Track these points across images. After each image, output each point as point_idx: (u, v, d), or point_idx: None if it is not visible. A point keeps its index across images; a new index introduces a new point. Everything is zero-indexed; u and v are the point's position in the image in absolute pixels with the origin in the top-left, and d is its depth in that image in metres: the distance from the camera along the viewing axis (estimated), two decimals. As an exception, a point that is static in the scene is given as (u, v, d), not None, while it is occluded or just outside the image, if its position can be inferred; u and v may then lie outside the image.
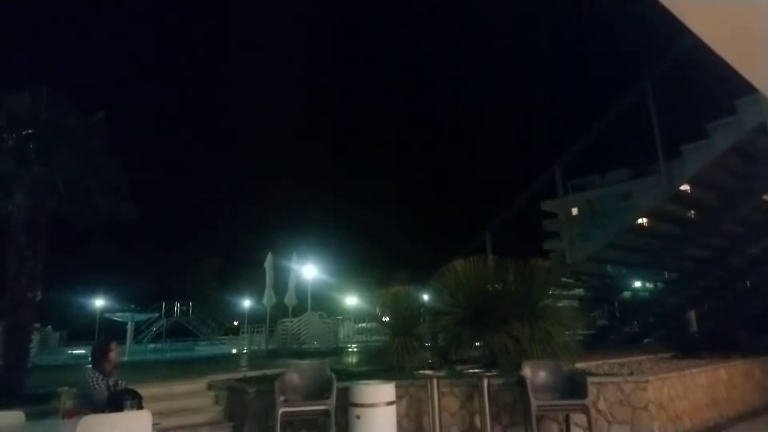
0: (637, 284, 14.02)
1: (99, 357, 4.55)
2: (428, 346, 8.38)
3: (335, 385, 5.82)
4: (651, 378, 6.12)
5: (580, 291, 12.21)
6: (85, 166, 7.68)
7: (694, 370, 7.04)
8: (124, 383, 4.56)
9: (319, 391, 5.96)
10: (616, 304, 13.33)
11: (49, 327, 22.07)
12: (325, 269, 27.43)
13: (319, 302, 24.45)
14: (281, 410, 5.62)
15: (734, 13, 2.06)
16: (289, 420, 5.83)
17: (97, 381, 4.37)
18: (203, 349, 24.36)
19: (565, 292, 10.43)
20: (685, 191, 8.42)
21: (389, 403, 5.64)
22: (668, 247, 9.82)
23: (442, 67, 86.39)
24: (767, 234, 9.39)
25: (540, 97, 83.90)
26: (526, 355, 6.62)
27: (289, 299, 18.47)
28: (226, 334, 33.10)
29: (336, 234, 44.83)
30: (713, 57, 2.33)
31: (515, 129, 73.50)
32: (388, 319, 8.92)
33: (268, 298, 17.73)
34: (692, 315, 11.51)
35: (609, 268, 12.83)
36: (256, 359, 13.01)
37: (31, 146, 7.40)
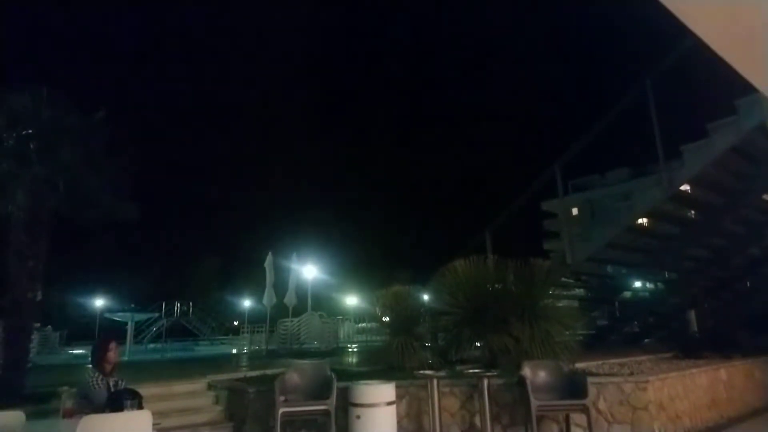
0: (638, 284, 14.01)
1: (99, 357, 4.55)
2: (428, 346, 8.39)
3: (335, 385, 5.82)
4: (651, 378, 6.12)
5: (580, 291, 12.19)
6: (86, 166, 7.67)
7: (694, 371, 7.04)
8: (124, 383, 4.56)
9: (319, 391, 5.96)
10: (616, 304, 13.31)
11: (49, 327, 22.04)
12: (325, 269, 27.44)
13: (320, 302, 24.46)
14: (281, 410, 5.62)
15: (734, 13, 2.06)
16: (289, 420, 5.83)
17: (97, 381, 4.37)
18: (203, 349, 24.34)
19: (565, 292, 10.43)
20: (685, 191, 8.42)
21: (389, 403, 5.65)
22: (668, 247, 9.81)
23: (442, 67, 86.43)
24: (767, 234, 9.40)
25: (540, 96, 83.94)
26: (526, 355, 6.63)
27: (289, 299, 18.46)
28: (227, 334, 33.08)
29: (336, 234, 44.94)
30: (713, 57, 2.33)
31: (515, 129, 73.65)
32: (388, 319, 8.93)
33: (268, 298, 17.73)
34: (692, 315, 11.51)
35: (609, 268, 12.84)
36: (256, 359, 13.00)
37: (31, 146, 7.40)
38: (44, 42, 54.88)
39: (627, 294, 13.44)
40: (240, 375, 7.94)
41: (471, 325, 7.55)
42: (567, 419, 5.91)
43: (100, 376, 4.42)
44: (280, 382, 5.91)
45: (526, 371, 5.93)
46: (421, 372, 6.32)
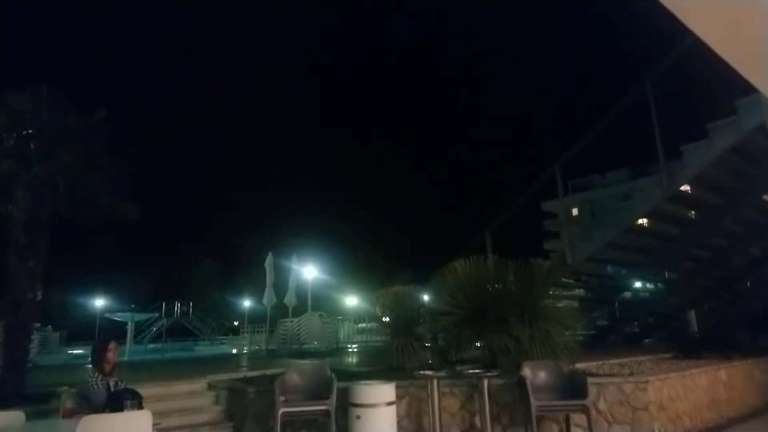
0: (638, 284, 14.01)
1: (98, 357, 4.55)
2: (428, 346, 8.38)
3: (335, 385, 5.82)
4: (651, 378, 6.12)
5: (580, 291, 12.19)
6: (86, 166, 7.67)
7: (694, 371, 7.04)
8: (124, 383, 4.56)
9: (319, 391, 5.96)
10: (617, 304, 13.32)
11: (49, 327, 22.02)
12: (325, 269, 27.46)
13: (320, 302, 24.43)
14: (281, 410, 5.62)
15: (734, 13, 2.06)
16: (289, 420, 5.82)
17: (96, 381, 4.37)
18: (203, 349, 24.34)
19: (565, 292, 10.43)
20: (685, 191, 8.42)
21: (389, 404, 5.65)
22: (668, 247, 9.81)
23: (442, 66, 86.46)
24: (767, 234, 9.40)
25: (540, 96, 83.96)
26: (526, 355, 6.63)
27: (290, 299, 18.46)
28: (227, 334, 33.07)
29: (336, 234, 44.83)
30: (713, 57, 2.33)
31: (516, 129, 73.64)
32: (388, 319, 8.93)
33: (268, 298, 17.73)
34: (692, 315, 11.52)
35: (609, 268, 12.82)
36: (256, 359, 13.00)
37: (31, 146, 7.40)
38: (44, 42, 54.95)
39: (627, 294, 13.44)
40: (240, 375, 7.94)
41: (471, 325, 7.55)
42: (567, 419, 5.91)
43: (100, 377, 4.42)
44: (280, 382, 5.91)
45: (526, 371, 5.93)
46: (421, 372, 6.32)
